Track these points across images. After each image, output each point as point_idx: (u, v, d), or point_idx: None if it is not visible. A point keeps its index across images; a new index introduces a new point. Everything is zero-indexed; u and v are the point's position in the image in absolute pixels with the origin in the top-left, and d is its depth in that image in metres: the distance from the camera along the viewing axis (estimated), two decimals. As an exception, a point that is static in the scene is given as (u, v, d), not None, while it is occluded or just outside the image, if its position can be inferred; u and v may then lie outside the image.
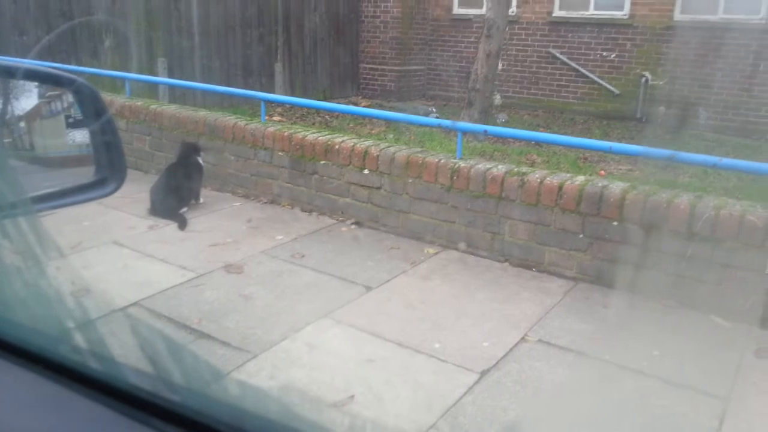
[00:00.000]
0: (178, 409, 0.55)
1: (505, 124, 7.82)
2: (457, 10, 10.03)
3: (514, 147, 6.54)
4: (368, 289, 3.34)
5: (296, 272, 3.52)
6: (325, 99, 9.02)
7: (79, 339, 0.65)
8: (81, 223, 4.00)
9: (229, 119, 5.03)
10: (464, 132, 4.51)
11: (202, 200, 4.70)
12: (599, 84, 8.94)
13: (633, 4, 8.53)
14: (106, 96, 5.66)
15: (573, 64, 9.09)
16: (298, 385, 2.44)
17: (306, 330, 2.86)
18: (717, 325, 3.04)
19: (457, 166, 3.88)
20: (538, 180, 3.61)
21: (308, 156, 4.51)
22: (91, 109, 1.20)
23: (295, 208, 4.64)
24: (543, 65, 9.38)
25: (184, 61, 7.87)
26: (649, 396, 2.44)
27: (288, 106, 7.96)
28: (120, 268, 3.50)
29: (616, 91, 8.82)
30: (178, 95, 7.48)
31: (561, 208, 3.54)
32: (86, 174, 1.21)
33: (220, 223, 4.31)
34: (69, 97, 1.41)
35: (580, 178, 3.62)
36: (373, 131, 7.17)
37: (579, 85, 9.14)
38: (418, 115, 7.35)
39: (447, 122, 4.62)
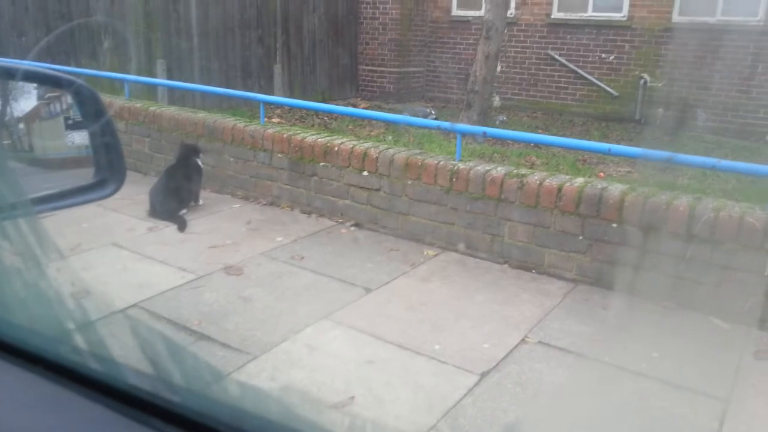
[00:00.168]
0: (178, 410, 0.55)
1: (504, 126, 7.83)
2: (455, 11, 10.05)
3: (514, 149, 6.54)
4: (368, 290, 3.33)
5: (296, 274, 3.52)
6: (324, 101, 9.02)
7: (78, 340, 0.65)
8: (80, 224, 4.00)
9: (228, 121, 5.03)
10: (463, 134, 4.51)
11: (201, 202, 4.70)
12: (598, 86, 8.95)
13: (631, 5, 8.55)
14: (106, 98, 5.66)
15: (572, 66, 9.10)
16: (298, 386, 2.44)
17: (306, 331, 2.86)
18: (716, 327, 3.04)
19: (456, 167, 3.88)
20: (538, 182, 3.61)
21: (307, 158, 4.51)
22: (91, 110, 1.20)
23: (294, 210, 4.64)
24: (542, 67, 9.39)
25: (183, 62, 7.87)
26: (649, 398, 2.44)
27: (287, 107, 7.97)
28: (119, 270, 3.50)
29: (615, 93, 8.83)
30: (177, 97, 7.48)
31: (560, 209, 3.54)
32: (85, 176, 1.21)
33: (220, 225, 4.30)
34: (68, 99, 1.41)
35: (580, 180, 3.62)
36: (372, 133, 7.17)
37: (578, 86, 9.15)
38: (417, 116, 7.35)
39: (446, 124, 4.62)
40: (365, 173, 4.24)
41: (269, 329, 2.86)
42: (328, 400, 2.31)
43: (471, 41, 9.60)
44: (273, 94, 8.41)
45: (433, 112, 8.64)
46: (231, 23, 8.34)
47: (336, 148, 4.36)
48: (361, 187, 4.28)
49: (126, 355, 0.63)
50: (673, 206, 3.22)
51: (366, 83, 10.35)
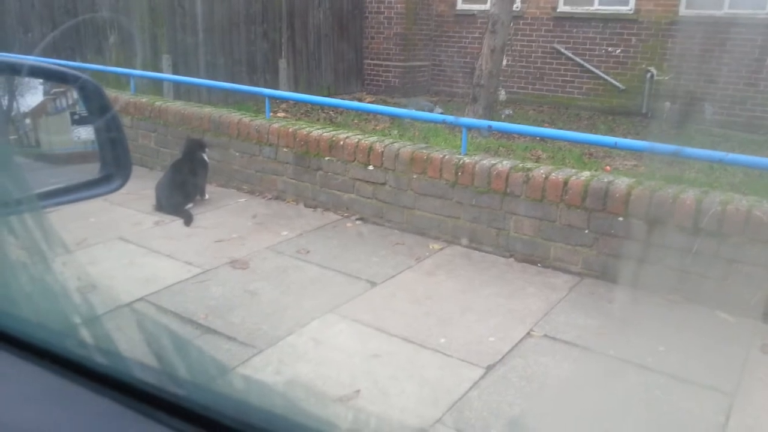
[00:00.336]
0: (183, 403, 0.55)
1: (509, 120, 7.80)
2: (461, 5, 10.00)
3: (519, 143, 6.52)
4: (373, 284, 3.34)
5: (301, 268, 3.53)
6: (329, 95, 9.01)
7: (85, 334, 0.66)
8: (87, 219, 4.02)
9: (233, 115, 5.03)
10: (469, 128, 4.50)
11: (207, 196, 4.71)
12: (604, 79, 8.90)
13: (638, -2, 8.49)
14: (111, 93, 5.67)
15: (578, 60, 9.06)
16: (304, 380, 2.44)
17: (311, 325, 2.87)
18: (722, 321, 3.03)
19: (461, 161, 3.87)
20: (543, 175, 3.60)
21: (313, 152, 4.51)
22: (96, 105, 1.21)
23: (299, 204, 4.65)
24: (548, 61, 9.35)
25: (189, 57, 7.87)
26: (655, 391, 2.44)
27: (292, 102, 7.96)
28: (126, 264, 3.51)
29: (622, 87, 8.78)
30: (182, 92, 7.48)
31: (566, 203, 3.53)
32: (91, 170, 1.21)
33: (226, 219, 4.31)
34: (74, 94, 1.42)
35: (586, 174, 3.61)
36: (377, 127, 7.16)
37: (584, 80, 9.10)
38: (422, 110, 7.33)
39: (451, 118, 4.61)
40: (370, 167, 4.24)
41: (275, 323, 2.87)
42: (334, 394, 2.32)
43: (476, 35, 9.56)
44: (278, 89, 8.40)
45: (437, 105, 8.61)
46: (236, 18, 8.33)
47: (341, 143, 4.36)
48: (367, 181, 4.28)
49: (132, 349, 0.63)
50: (679, 200, 3.21)
51: (371, 77, 10.33)
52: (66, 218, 3.64)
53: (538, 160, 5.54)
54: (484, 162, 3.83)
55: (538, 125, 7.24)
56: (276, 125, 4.74)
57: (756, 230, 3.02)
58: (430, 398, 2.36)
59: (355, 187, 4.36)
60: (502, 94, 9.18)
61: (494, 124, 4.68)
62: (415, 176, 4.06)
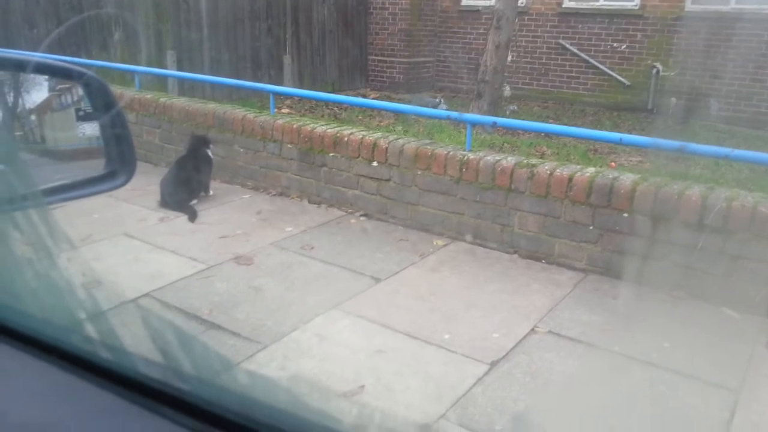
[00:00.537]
0: (188, 398, 0.55)
1: (514, 116, 7.79)
2: (465, 1, 9.97)
3: (524, 139, 6.51)
4: (377, 280, 3.34)
5: (306, 264, 3.53)
6: (333, 91, 9.00)
7: (91, 330, 0.66)
8: (91, 215, 4.03)
9: (238, 112, 5.04)
10: (473, 124, 4.49)
11: (211, 192, 4.72)
12: (610, 75, 8.87)
13: (644, -7, 8.45)
14: (116, 89, 5.68)
15: (583, 56, 9.02)
16: (308, 375, 2.45)
17: (316, 321, 2.87)
18: (728, 317, 3.03)
19: (466, 157, 3.87)
20: (548, 172, 3.59)
21: (317, 148, 4.51)
22: (101, 102, 1.21)
23: (303, 200, 4.65)
24: (553, 56, 9.32)
25: (193, 53, 7.87)
26: (660, 387, 2.44)
27: (297, 98, 7.96)
28: (131, 260, 3.52)
29: (627, 82, 8.75)
30: (187, 88, 7.49)
31: (571, 199, 3.52)
32: (96, 166, 1.22)
33: (230, 215, 4.32)
34: (79, 90, 1.42)
35: (591, 170, 3.60)
36: (382, 123, 7.15)
37: (589, 76, 9.07)
38: (426, 106, 7.32)
39: (456, 114, 4.61)
40: (375, 163, 4.24)
41: (279, 319, 2.88)
42: (339, 389, 2.32)
43: (481, 31, 9.53)
44: (283, 85, 8.40)
45: (441, 101, 8.60)
46: (240, 14, 8.33)
47: (345, 139, 4.36)
48: (371, 178, 4.28)
49: (137, 345, 0.63)
50: (685, 196, 3.20)
51: (376, 73, 10.31)
52: (71, 214, 3.66)
53: (542, 156, 5.53)
54: (489, 158, 3.82)
55: (543, 121, 7.22)
56: (280, 121, 4.74)
57: (762, 227, 3.01)
58: (435, 394, 2.36)
59: (359, 183, 4.36)
60: (507, 90, 9.16)
61: (499, 120, 4.67)
62: (419, 172, 4.05)
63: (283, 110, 7.15)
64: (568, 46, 9.12)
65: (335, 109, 7.98)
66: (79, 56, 7.02)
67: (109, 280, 2.91)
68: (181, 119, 5.27)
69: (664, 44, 8.39)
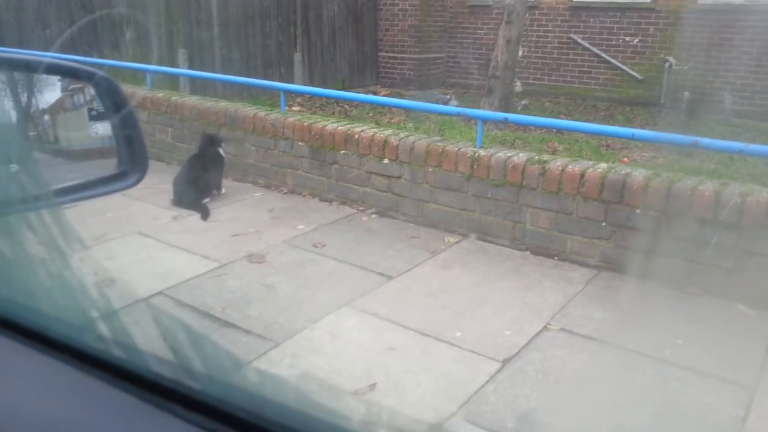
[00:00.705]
0: (198, 396, 0.56)
1: (525, 112, 7.75)
2: (476, -4, 9.93)
3: (536, 135, 6.48)
4: (389, 278, 3.34)
5: (317, 261, 3.54)
6: (344, 88, 9.00)
7: (103, 328, 0.67)
8: (105, 214, 4.06)
9: (249, 110, 5.05)
10: (484, 120, 4.48)
11: (223, 191, 4.74)
12: (622, 70, 8.80)
13: (656, -13, 8.37)
14: (128, 88, 5.71)
15: (595, 50, 8.96)
16: (320, 373, 2.46)
17: (327, 319, 2.88)
18: (742, 314, 3.00)
19: (477, 154, 3.86)
20: (560, 168, 3.57)
21: (328, 146, 4.52)
22: (112, 101, 1.22)
23: (315, 198, 4.66)
24: (564, 51, 9.25)
25: (204, 52, 7.90)
26: (673, 385, 2.42)
27: (307, 96, 7.97)
28: (144, 258, 3.55)
29: (639, 77, 8.68)
30: (198, 86, 7.52)
31: (583, 196, 3.50)
32: (109, 166, 1.23)
33: (242, 213, 4.34)
34: (91, 90, 1.43)
35: (603, 166, 3.58)
36: (392, 120, 7.15)
37: (601, 71, 9.00)
38: (437, 103, 7.30)
39: (467, 110, 4.59)
40: (386, 161, 4.24)
41: (291, 316, 2.89)
42: (350, 387, 2.33)
43: (492, 26, 9.49)
44: (293, 83, 8.41)
45: (451, 97, 8.57)
46: (251, 12, 8.35)
47: (356, 136, 4.36)
48: (382, 175, 4.28)
49: (149, 343, 0.64)
50: (698, 191, 3.17)
51: (386, 70, 10.30)
52: (85, 213, 3.68)
53: (554, 152, 5.50)
54: (500, 154, 3.81)
55: (555, 117, 7.18)
56: (291, 119, 4.75)
57: (777, 222, 2.97)
58: (446, 392, 2.36)
59: (370, 181, 4.36)
60: (518, 86, 9.11)
61: (510, 116, 4.65)
62: (430, 169, 4.05)
63: (293, 108, 7.17)
64: (579, 40, 9.06)
65: (346, 106, 7.98)
66: (91, 56, 7.07)
67: (123, 279, 2.94)
68: (192, 118, 5.29)
69: (677, 38, 8.31)
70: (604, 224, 3.47)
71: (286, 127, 4.73)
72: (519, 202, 3.74)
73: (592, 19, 8.92)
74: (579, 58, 9.16)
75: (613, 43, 8.83)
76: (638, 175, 3.38)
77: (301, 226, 4.09)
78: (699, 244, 3.17)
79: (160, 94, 5.62)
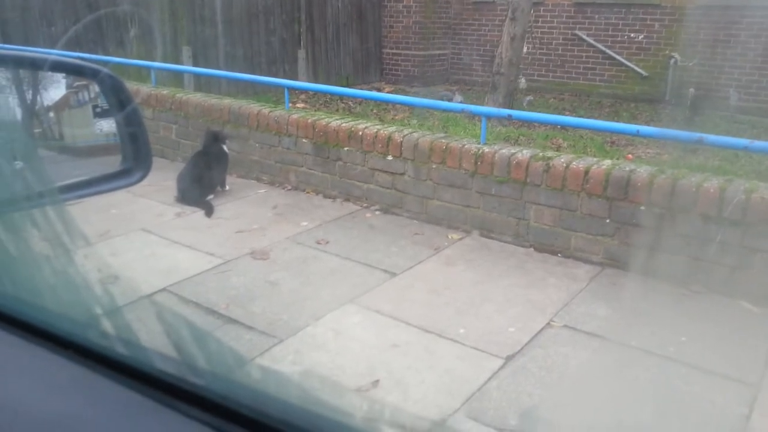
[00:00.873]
0: (201, 393, 0.56)
1: (530, 108, 7.73)
2: (480, -8, 9.90)
3: (540, 131, 6.46)
4: (392, 275, 3.35)
5: (321, 258, 3.55)
6: (348, 85, 9.00)
7: (107, 325, 0.67)
8: (109, 211, 4.07)
9: (253, 107, 5.06)
10: (488, 117, 4.47)
11: (227, 187, 4.75)
12: (627, 66, 8.77)
13: (662, -17, 8.33)
14: (133, 85, 5.72)
15: (600, 46, 8.93)
16: (323, 369, 2.46)
17: (331, 315, 2.89)
18: (746, 311, 2.99)
19: (481, 151, 3.85)
20: (564, 164, 3.57)
21: (332, 142, 4.52)
22: (116, 99, 1.22)
23: (319, 195, 4.66)
24: (569, 47, 9.23)
25: (209, 49, 7.91)
26: (676, 382, 2.42)
27: (312, 92, 7.97)
28: (148, 255, 3.56)
29: (644, 73, 8.65)
30: (202, 83, 7.53)
31: (587, 192, 3.50)
32: (113, 163, 1.23)
33: (246, 210, 4.35)
34: (96, 87, 1.43)
35: (607, 163, 3.57)
36: (396, 117, 7.14)
37: (606, 67, 8.97)
38: (440, 99, 7.29)
39: (471, 107, 4.58)
40: (389, 157, 4.24)
41: (295, 313, 2.89)
42: (353, 384, 2.34)
43: (496, 23, 9.46)
44: (297, 80, 8.41)
45: (455, 94, 8.56)
46: (255, 9, 8.35)
47: (360, 133, 4.36)
48: (386, 172, 4.28)
49: (152, 340, 0.64)
50: (703, 188, 3.16)
51: (390, 67, 10.29)
52: (89, 210, 3.70)
53: (558, 148, 5.49)
54: (504, 151, 3.81)
55: (559, 113, 7.16)
56: (295, 116, 4.75)
57: (782, 219, 2.96)
58: (449, 388, 2.36)
59: (374, 178, 4.36)
60: (523, 82, 9.09)
61: (514, 113, 4.65)
62: (434, 166, 4.05)
63: (297, 105, 7.17)
64: (584, 36, 9.03)
65: (350, 103, 7.97)
66: (96, 53, 7.08)
67: (127, 276, 2.95)
68: (197, 115, 5.30)
69: (682, 34, 8.27)
70: (608, 221, 3.46)
71: (290, 123, 4.73)
72: (523, 198, 3.73)
73: (597, 16, 8.89)
74: (584, 54, 9.13)
75: (618, 39, 8.80)
76: (643, 171, 3.37)
77: (305, 223, 4.09)
78: (703, 241, 3.16)
79: (165, 91, 5.62)
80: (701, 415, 2.26)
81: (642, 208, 3.33)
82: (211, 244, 3.69)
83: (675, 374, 2.47)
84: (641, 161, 4.60)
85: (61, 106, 1.50)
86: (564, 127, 6.33)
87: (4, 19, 7.40)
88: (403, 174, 4.20)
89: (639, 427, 2.17)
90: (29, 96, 1.42)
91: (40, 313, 0.71)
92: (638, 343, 2.68)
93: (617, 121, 6.21)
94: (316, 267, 3.43)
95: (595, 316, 2.93)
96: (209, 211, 4.26)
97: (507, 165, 3.74)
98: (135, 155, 1.21)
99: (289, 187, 4.83)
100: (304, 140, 4.68)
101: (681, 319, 2.88)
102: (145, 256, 3.55)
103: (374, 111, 7.53)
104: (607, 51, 8.88)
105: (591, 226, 3.52)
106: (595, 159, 3.69)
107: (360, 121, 4.64)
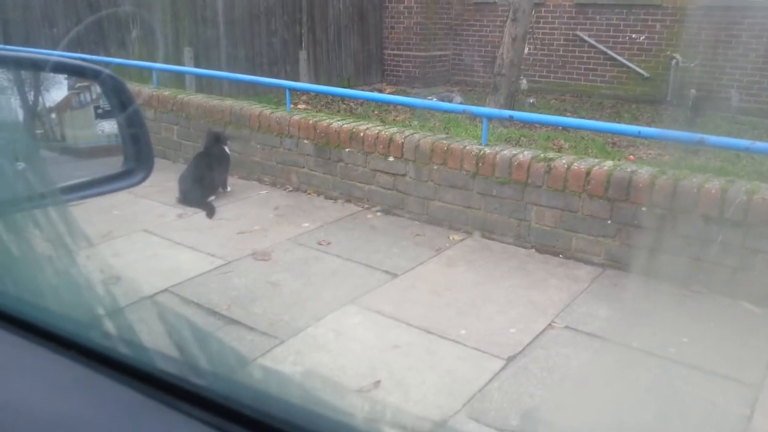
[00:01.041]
0: (203, 393, 0.56)
1: (531, 109, 7.73)
2: (482, -6, 9.91)
3: (541, 132, 6.46)
4: (394, 275, 3.35)
5: (322, 259, 3.55)
6: (349, 86, 9.01)
7: (109, 325, 0.67)
8: (111, 212, 4.08)
9: (254, 108, 5.06)
10: (490, 118, 4.47)
11: (229, 188, 4.75)
12: (628, 67, 8.77)
13: (663, -16, 8.33)
14: (134, 86, 5.73)
15: (601, 47, 8.93)
16: (324, 370, 2.46)
17: (332, 316, 2.89)
18: (748, 312, 2.99)
19: (482, 152, 3.85)
20: (565, 165, 3.57)
21: (333, 144, 4.52)
22: (118, 100, 1.22)
23: (320, 196, 4.67)
24: (570, 48, 9.23)
25: (210, 50, 7.92)
26: (678, 383, 2.42)
27: (313, 94, 7.98)
28: (150, 256, 3.56)
29: (646, 74, 8.64)
30: (204, 84, 7.54)
31: (588, 193, 3.50)
32: (115, 164, 1.23)
33: (248, 211, 4.35)
34: (98, 88, 1.44)
35: (608, 164, 3.57)
36: (397, 118, 7.15)
37: (607, 68, 8.97)
38: (442, 101, 7.29)
39: (472, 108, 4.59)
40: (391, 158, 4.24)
41: (296, 314, 2.90)
42: (354, 384, 2.34)
43: (497, 24, 9.47)
44: (299, 81, 8.42)
45: (457, 95, 8.56)
46: (256, 10, 8.36)
47: (361, 134, 4.36)
48: (387, 173, 4.28)
49: (154, 341, 0.64)
50: (704, 189, 3.16)
51: (391, 68, 10.29)
52: (91, 211, 3.70)
53: (560, 149, 5.49)
54: (505, 152, 3.81)
55: (561, 114, 7.17)
56: (296, 117, 4.76)
57: (783, 220, 2.96)
58: (450, 389, 2.36)
59: (375, 179, 4.36)
60: (524, 83, 9.09)
61: (515, 114, 4.64)
62: (435, 167, 4.05)
63: (299, 106, 7.17)
64: (585, 37, 9.03)
65: (351, 104, 7.98)
66: (97, 54, 7.08)
67: (128, 276, 2.95)
68: (198, 116, 5.31)
69: (684, 35, 8.27)
70: (609, 222, 3.46)
71: (292, 125, 4.74)
72: (524, 199, 3.73)
73: (598, 17, 8.89)
74: (585, 55, 9.13)
75: (620, 40, 8.80)
76: (644, 172, 3.37)
77: (306, 224, 4.09)
78: (704, 241, 3.16)
79: (166, 92, 5.63)
80: (702, 416, 2.26)
81: (643, 209, 3.33)
82: (213, 245, 3.70)
83: (676, 375, 2.47)
84: (643, 162, 4.60)
85: (62, 107, 1.50)
86: (565, 128, 6.33)
87: (6, 20, 7.41)
88: (404, 175, 4.20)
89: (640, 428, 2.17)
90: (31, 97, 1.42)
91: (43, 314, 0.71)
92: (639, 344, 2.68)
93: (619, 122, 6.21)
94: (318, 268, 3.44)
95: (597, 317, 2.93)
96: (211, 212, 4.27)
97: (508, 166, 3.74)
98: (137, 156, 1.22)
99: (291, 188, 4.84)
100: (305, 141, 4.69)
101: (682, 320, 2.88)
102: (146, 256, 3.55)
103: (375, 112, 7.54)
104: (609, 52, 8.88)
105: (592, 227, 3.52)
106: (596, 160, 3.69)
107: (361, 122, 4.64)
